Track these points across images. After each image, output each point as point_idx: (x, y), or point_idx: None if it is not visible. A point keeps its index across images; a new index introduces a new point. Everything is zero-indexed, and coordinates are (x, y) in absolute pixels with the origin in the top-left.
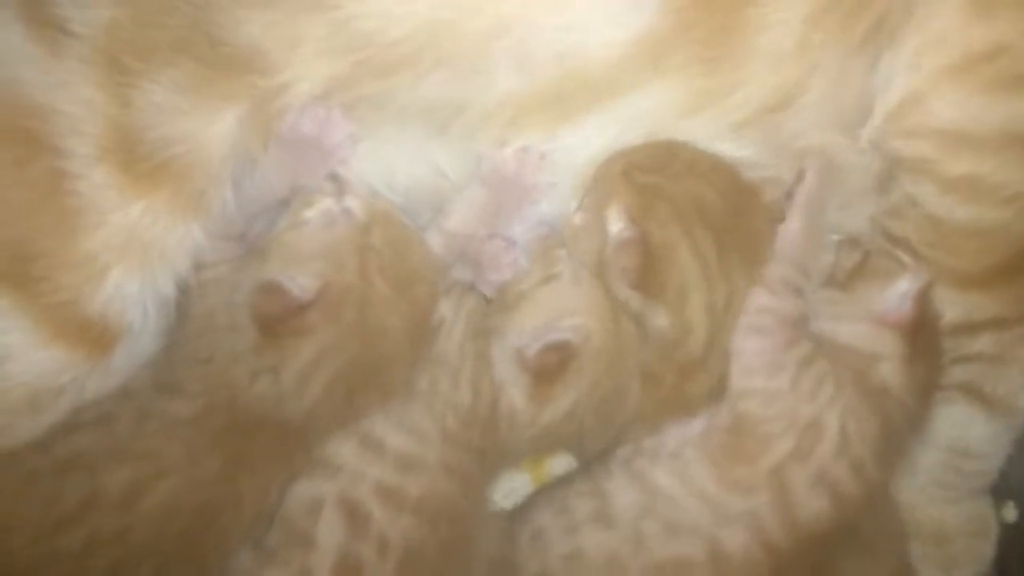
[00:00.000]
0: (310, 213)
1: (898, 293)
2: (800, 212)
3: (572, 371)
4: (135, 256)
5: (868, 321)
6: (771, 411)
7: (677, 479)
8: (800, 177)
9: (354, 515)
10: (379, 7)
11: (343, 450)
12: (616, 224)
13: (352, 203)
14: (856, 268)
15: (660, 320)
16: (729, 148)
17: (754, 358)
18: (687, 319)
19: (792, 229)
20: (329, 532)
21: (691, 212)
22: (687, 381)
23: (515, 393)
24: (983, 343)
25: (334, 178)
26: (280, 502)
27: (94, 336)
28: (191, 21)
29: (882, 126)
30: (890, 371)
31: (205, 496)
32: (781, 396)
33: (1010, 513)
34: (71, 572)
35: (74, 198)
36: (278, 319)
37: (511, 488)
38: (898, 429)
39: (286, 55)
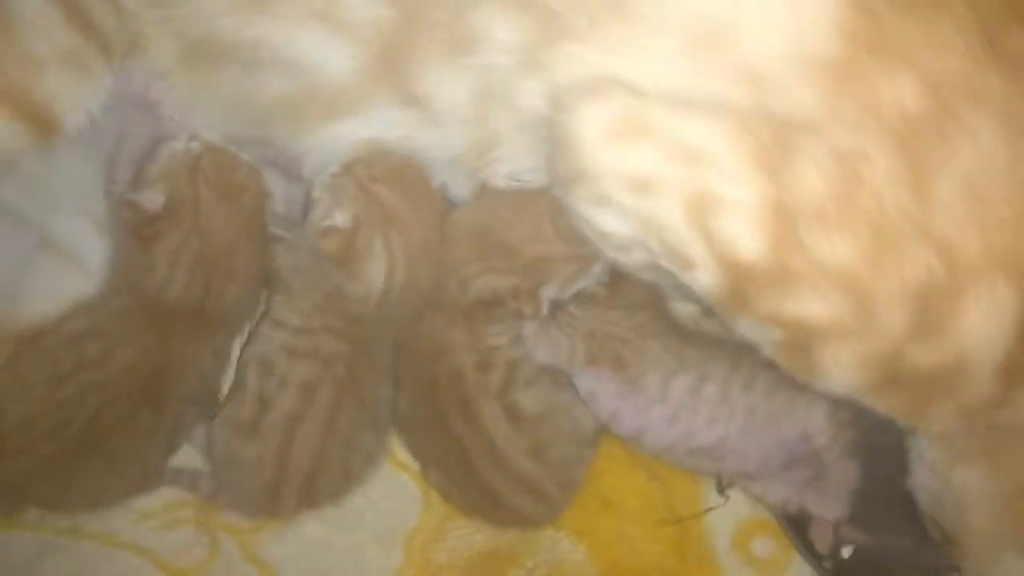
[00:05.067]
0: (162, 150)
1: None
2: None
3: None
4: (71, 68)
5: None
6: None
7: None
8: None
9: (265, 364)
10: (210, 9)
11: (262, 327)
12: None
13: (193, 143)
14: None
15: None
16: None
17: None
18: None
19: None
20: (251, 377)
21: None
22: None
23: None
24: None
25: (192, 134)
26: (222, 367)
27: (38, 116)
28: None
29: None
30: None
31: (152, 360)
32: None
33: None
34: (70, 413)
35: (29, 15)
36: (139, 227)
37: None
38: None
39: (148, 26)
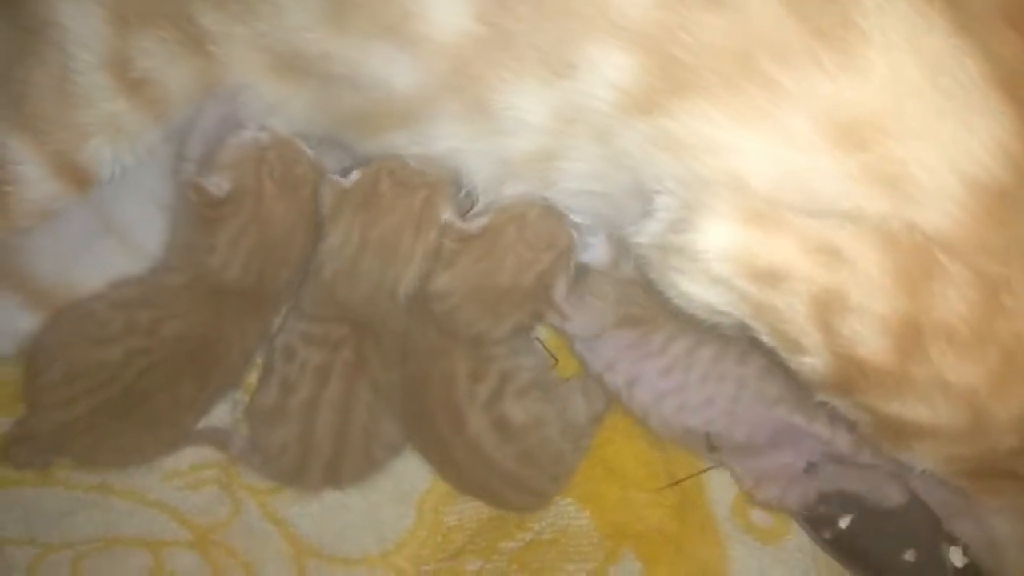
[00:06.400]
0: (232, 138)
1: None
2: None
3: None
4: (111, 133)
5: None
6: None
7: None
8: None
9: (288, 350)
10: (294, 23)
11: (289, 316)
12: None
13: (262, 134)
14: None
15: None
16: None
17: None
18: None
19: None
20: (278, 362)
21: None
22: None
23: None
24: None
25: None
26: (263, 345)
27: (80, 178)
28: (177, 3)
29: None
30: None
31: (202, 334)
32: None
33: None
34: (114, 374)
35: (77, 87)
36: (203, 210)
37: None
38: None
39: (230, 45)
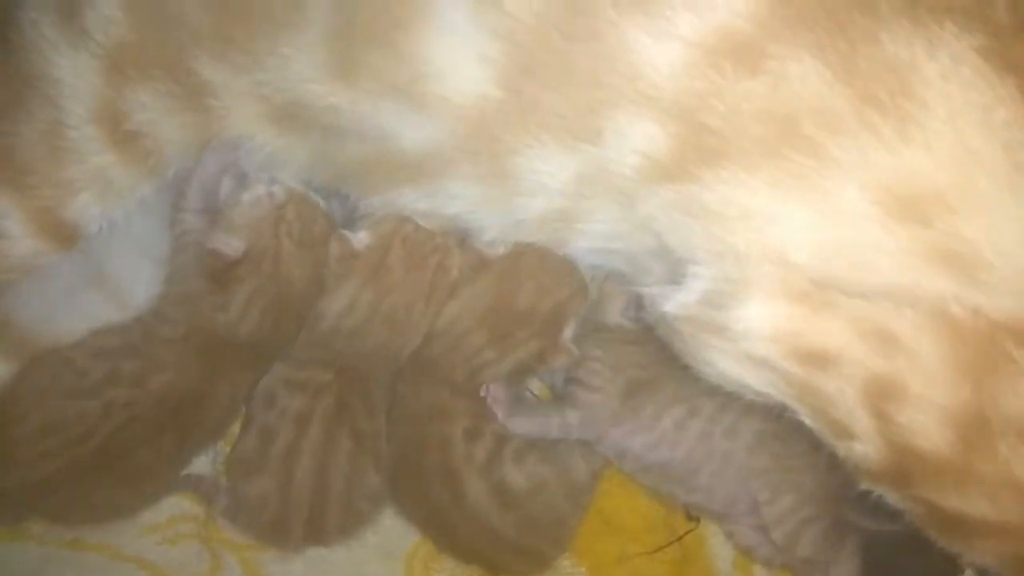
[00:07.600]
0: (244, 196)
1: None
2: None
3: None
4: (100, 188)
5: None
6: None
7: None
8: None
9: (269, 396)
10: (300, 75)
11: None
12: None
13: (276, 189)
14: None
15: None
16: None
17: None
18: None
19: None
20: (257, 410)
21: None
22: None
23: None
24: None
25: (271, 177)
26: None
27: (65, 235)
28: (176, 54)
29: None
30: None
31: (191, 388)
32: None
33: None
34: (92, 427)
35: (67, 141)
36: (219, 272)
37: None
38: None
39: (229, 97)
